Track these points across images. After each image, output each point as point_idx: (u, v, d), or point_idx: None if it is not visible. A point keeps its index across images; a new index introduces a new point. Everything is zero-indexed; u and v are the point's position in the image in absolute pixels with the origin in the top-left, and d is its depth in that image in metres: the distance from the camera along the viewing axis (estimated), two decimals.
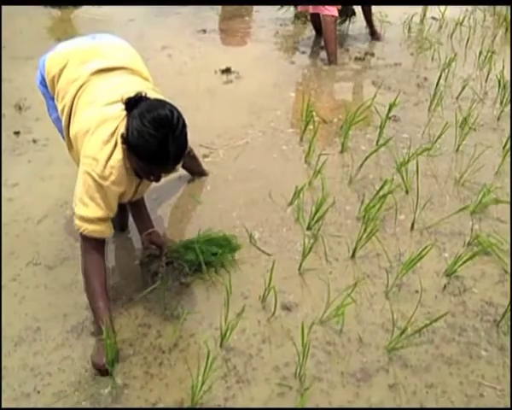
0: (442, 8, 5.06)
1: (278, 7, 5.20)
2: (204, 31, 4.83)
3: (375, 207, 2.45)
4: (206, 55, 4.36)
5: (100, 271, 1.82)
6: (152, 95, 1.76)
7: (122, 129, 1.67)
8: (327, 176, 2.73)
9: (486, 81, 3.80)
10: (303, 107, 3.23)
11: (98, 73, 1.91)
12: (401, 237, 2.41)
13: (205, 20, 5.09)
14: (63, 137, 2.04)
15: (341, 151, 3.03)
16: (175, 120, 1.61)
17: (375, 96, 3.29)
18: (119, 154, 1.71)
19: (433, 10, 5.24)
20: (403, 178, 2.70)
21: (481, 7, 5.33)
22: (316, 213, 2.43)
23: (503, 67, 3.74)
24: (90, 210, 1.74)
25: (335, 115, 3.41)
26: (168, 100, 1.73)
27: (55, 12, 5.20)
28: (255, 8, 5.54)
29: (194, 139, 2.99)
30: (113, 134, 1.71)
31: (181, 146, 1.65)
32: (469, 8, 5.25)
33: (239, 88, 3.81)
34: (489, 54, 4.00)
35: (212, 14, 5.35)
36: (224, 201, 2.62)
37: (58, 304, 2.03)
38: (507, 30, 4.73)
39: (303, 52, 4.43)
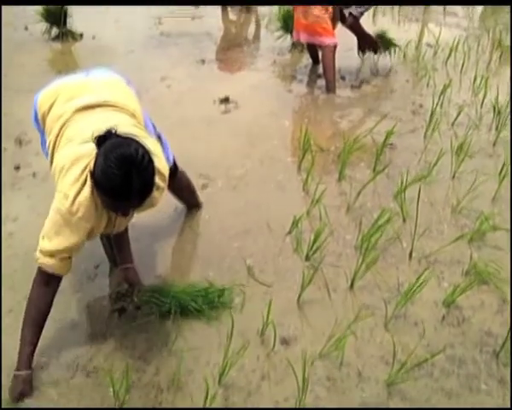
0: (436, 34, 5.14)
1: (276, 37, 5.28)
2: (203, 61, 4.90)
3: (374, 236, 2.47)
4: (205, 84, 4.42)
5: (44, 306, 1.85)
6: (129, 131, 1.76)
7: (91, 166, 1.70)
8: (325, 204, 2.75)
9: (481, 107, 3.84)
10: (300, 135, 3.27)
11: (82, 109, 1.92)
12: (400, 266, 2.41)
13: (203, 51, 5.16)
14: None
15: (339, 179, 3.05)
16: (139, 158, 1.62)
17: (374, 126, 3.33)
18: (87, 191, 1.73)
19: (428, 37, 5.33)
20: (400, 206, 2.72)
21: (475, 33, 5.42)
22: (314, 243, 2.44)
23: (498, 93, 3.78)
24: (52, 244, 1.76)
25: (333, 143, 3.44)
26: (138, 137, 1.72)
27: (55, 45, 5.28)
28: (251, 37, 5.63)
29: (192, 169, 3.05)
30: (83, 171, 1.73)
31: (145, 184, 1.66)
32: (463, 34, 5.34)
33: (237, 117, 3.85)
34: (483, 79, 4.04)
35: (211, 44, 5.43)
36: (222, 231, 2.63)
37: (54, 337, 2.04)
38: (501, 55, 4.79)
39: (300, 80, 4.48)
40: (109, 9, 6.70)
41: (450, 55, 4.73)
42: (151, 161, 1.66)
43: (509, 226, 2.62)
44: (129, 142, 1.65)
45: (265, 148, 3.38)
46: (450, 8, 6.47)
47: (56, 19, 5.35)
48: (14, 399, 1.81)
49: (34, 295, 1.84)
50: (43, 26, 5.45)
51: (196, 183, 2.83)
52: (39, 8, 5.41)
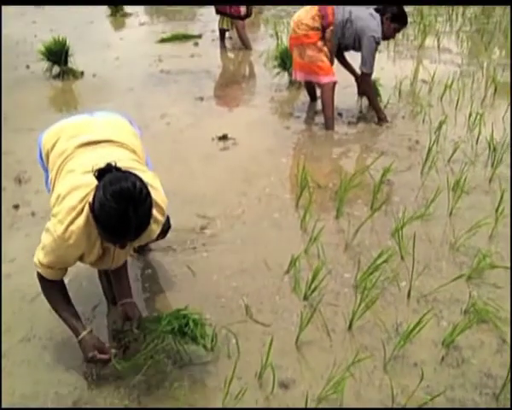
0: (431, 71, 5.24)
1: (274, 74, 5.38)
2: (201, 98, 4.98)
3: (372, 275, 2.47)
4: (204, 122, 4.48)
5: (58, 289, 1.98)
6: (129, 165, 1.81)
7: (91, 197, 1.73)
8: (323, 242, 2.76)
9: (477, 143, 3.88)
10: (298, 172, 3.30)
11: (84, 145, 1.98)
12: (398, 305, 2.40)
13: (202, 88, 5.25)
14: None
15: (337, 217, 3.07)
16: (137, 193, 1.64)
17: (371, 163, 3.36)
18: (81, 220, 1.77)
19: (423, 73, 5.43)
20: (398, 244, 2.72)
21: (470, 69, 5.52)
22: (312, 282, 2.44)
23: (493, 130, 3.83)
24: (46, 259, 1.86)
25: (330, 180, 3.47)
26: (137, 170, 1.78)
27: (56, 83, 5.37)
28: (249, 74, 5.73)
29: (191, 209, 3.08)
30: (81, 201, 1.77)
31: (142, 218, 1.68)
32: (458, 70, 5.44)
33: (235, 154, 3.89)
34: (478, 116, 4.10)
35: (210, 81, 5.53)
36: (219, 270, 2.63)
37: (52, 380, 2.02)
38: (495, 91, 4.86)
39: (297, 117, 4.55)
40: (110, 48, 6.86)
41: (445, 91, 4.80)
42: (148, 195, 1.69)
43: (506, 264, 2.62)
44: (127, 176, 1.68)
45: (263, 185, 3.41)
46: (444, 45, 6.61)
47: (58, 57, 5.47)
48: (90, 358, 1.93)
49: (45, 288, 1.97)
50: (45, 64, 5.57)
51: (195, 223, 2.84)
52: (41, 47, 5.53)
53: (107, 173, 1.68)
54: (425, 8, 8.66)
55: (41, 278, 1.94)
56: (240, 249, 2.80)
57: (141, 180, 1.69)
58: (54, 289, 1.96)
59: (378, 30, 3.91)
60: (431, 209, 3.06)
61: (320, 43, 3.99)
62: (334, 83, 4.15)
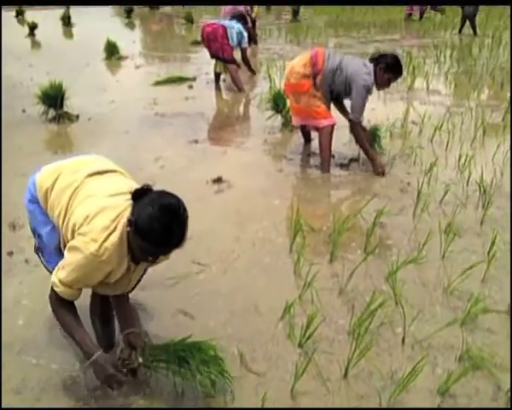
0: (421, 112, 5.35)
1: (267, 116, 5.47)
2: (196, 141, 5.05)
3: (366, 321, 2.47)
4: (198, 164, 4.53)
5: (71, 308, 2.01)
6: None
7: (124, 217, 1.89)
8: (317, 288, 2.76)
9: (467, 185, 3.94)
10: (291, 215, 3.33)
11: (93, 175, 2.09)
12: (393, 352, 2.39)
13: (196, 131, 5.33)
14: (59, 247, 2.13)
15: (330, 261, 3.08)
16: (181, 210, 1.82)
17: (364, 206, 3.40)
18: (115, 238, 1.89)
19: (413, 115, 5.54)
20: (392, 289, 2.73)
21: (459, 111, 5.64)
22: (307, 329, 2.43)
23: (483, 171, 3.89)
24: (69, 278, 1.92)
25: (323, 223, 3.50)
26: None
27: (52, 127, 5.44)
28: (243, 116, 5.82)
29: (186, 254, 3.07)
30: (113, 220, 1.90)
31: (183, 233, 1.84)
32: (447, 112, 5.55)
33: (230, 197, 3.93)
34: (468, 158, 4.17)
35: (204, 123, 5.62)
36: (214, 316, 2.61)
37: None
38: (484, 132, 4.96)
39: (290, 159, 4.61)
40: (106, 90, 6.97)
41: (435, 133, 4.90)
42: (188, 216, 1.86)
43: (499, 308, 2.63)
44: (170, 193, 1.87)
45: (256, 229, 3.43)
46: (433, 86, 6.76)
47: (54, 101, 5.55)
48: (108, 376, 1.95)
49: (59, 309, 2.01)
50: (41, 108, 5.64)
51: (190, 270, 2.84)
52: (37, 90, 5.61)
53: (144, 193, 1.85)
54: (414, 51, 8.91)
55: (56, 298, 1.98)
56: (235, 296, 2.79)
57: (181, 200, 1.86)
58: (68, 310, 2.00)
59: (369, 79, 3.94)
60: (424, 252, 3.08)
61: (312, 90, 4.07)
62: (333, 126, 4.20)
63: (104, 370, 1.94)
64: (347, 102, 4.28)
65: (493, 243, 3.04)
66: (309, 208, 3.70)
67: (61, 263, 1.94)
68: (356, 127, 4.14)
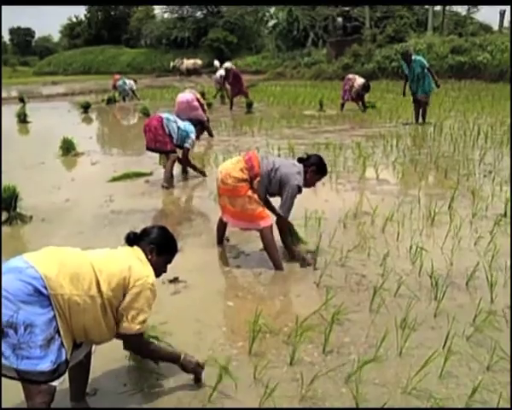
0: (372, 202, 5.55)
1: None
2: None
3: None
4: None
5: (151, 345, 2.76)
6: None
7: (142, 255, 2.61)
8: (278, 395, 2.70)
9: (420, 276, 4.04)
10: (250, 317, 3.29)
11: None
12: None
13: None
14: (48, 340, 2.24)
15: (290, 364, 3.04)
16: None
17: (322, 305, 3.42)
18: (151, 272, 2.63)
19: (365, 205, 5.73)
20: (352, 391, 2.71)
21: (407, 200, 5.89)
22: None
23: (433, 263, 4.01)
24: (147, 315, 2.53)
25: (283, 323, 3.47)
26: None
27: (5, 229, 5.32)
28: (200, 211, 5.87)
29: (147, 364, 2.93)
30: (141, 260, 2.58)
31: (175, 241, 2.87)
32: (396, 202, 5.78)
33: (187, 299, 3.88)
34: (418, 249, 4.31)
35: (160, 220, 5.62)
36: None
37: None
38: (433, 221, 5.17)
39: (247, 255, 4.64)
40: (60, 189, 6.96)
41: (386, 223, 5.06)
42: None
43: (458, 405, 2.64)
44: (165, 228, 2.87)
45: (215, 336, 3.34)
46: (383, 176, 7.06)
47: (7, 204, 5.46)
48: (195, 365, 2.83)
49: (144, 344, 2.68)
50: None
51: (150, 382, 2.73)
52: None
53: (135, 235, 2.70)
54: (362, 141, 9.38)
55: (141, 341, 2.61)
56: None
57: None
58: (147, 340, 2.73)
59: (300, 178, 4.26)
60: (382, 350, 3.09)
61: (250, 192, 4.22)
62: (271, 225, 4.31)
63: (191, 363, 2.79)
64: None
65: (447, 337, 3.09)
66: (268, 308, 3.65)
67: (132, 313, 2.45)
68: (284, 222, 4.42)
